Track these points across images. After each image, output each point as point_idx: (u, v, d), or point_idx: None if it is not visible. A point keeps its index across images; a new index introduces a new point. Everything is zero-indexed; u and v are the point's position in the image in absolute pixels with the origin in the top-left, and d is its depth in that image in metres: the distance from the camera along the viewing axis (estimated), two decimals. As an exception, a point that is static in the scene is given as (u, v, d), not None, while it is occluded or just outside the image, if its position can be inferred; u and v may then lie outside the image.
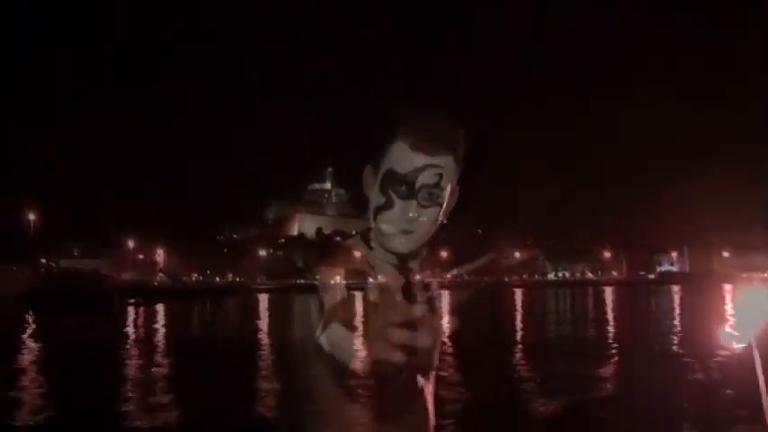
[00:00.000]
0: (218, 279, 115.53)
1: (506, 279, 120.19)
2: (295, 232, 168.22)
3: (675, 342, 15.40)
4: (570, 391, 8.30)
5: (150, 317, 29.52)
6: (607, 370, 10.73)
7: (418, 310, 0.95)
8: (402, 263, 1.23)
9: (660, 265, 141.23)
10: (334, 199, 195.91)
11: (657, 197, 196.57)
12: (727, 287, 64.70)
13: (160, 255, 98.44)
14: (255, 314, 32.98)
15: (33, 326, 24.60)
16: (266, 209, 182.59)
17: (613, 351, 13.67)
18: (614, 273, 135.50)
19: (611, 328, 20.82)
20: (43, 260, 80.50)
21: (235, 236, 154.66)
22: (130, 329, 22.89)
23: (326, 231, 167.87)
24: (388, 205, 1.19)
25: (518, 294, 59.80)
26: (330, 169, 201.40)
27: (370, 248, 1.25)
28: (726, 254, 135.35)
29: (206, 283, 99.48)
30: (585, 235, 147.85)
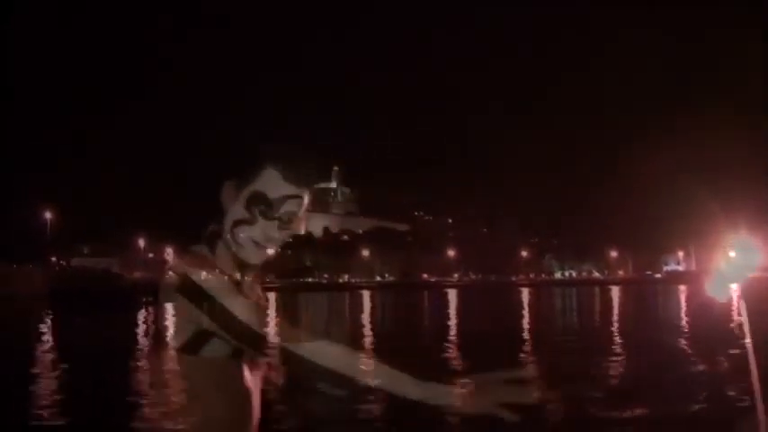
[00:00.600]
0: (225, 277, 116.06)
1: (513, 278, 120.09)
2: (302, 231, 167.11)
3: (684, 342, 15.34)
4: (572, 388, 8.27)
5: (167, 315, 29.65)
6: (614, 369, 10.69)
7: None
8: (241, 271, 1.44)
9: (666, 264, 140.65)
10: (339, 198, 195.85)
11: (663, 196, 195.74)
12: (734, 287, 64.44)
13: (169, 253, 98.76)
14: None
15: (57, 324, 24.86)
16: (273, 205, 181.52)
17: (621, 351, 13.61)
18: (620, 272, 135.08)
19: (619, 329, 20.76)
20: (54, 259, 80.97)
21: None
22: (152, 327, 23.04)
23: (333, 230, 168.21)
24: (250, 221, 1.39)
25: (525, 294, 59.59)
26: (336, 168, 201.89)
27: (213, 254, 1.44)
28: (732, 254, 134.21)
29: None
30: (592, 234, 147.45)
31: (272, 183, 1.39)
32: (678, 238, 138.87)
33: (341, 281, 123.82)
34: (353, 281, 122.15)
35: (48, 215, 76.58)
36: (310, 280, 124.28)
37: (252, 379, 1.41)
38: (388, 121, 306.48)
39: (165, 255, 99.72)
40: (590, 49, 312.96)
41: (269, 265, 1.48)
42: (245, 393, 1.39)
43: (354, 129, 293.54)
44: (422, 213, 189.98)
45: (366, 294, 66.13)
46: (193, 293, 1.34)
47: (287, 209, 1.40)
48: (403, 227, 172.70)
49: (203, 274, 1.35)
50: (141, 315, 28.76)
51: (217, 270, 1.38)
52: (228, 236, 1.41)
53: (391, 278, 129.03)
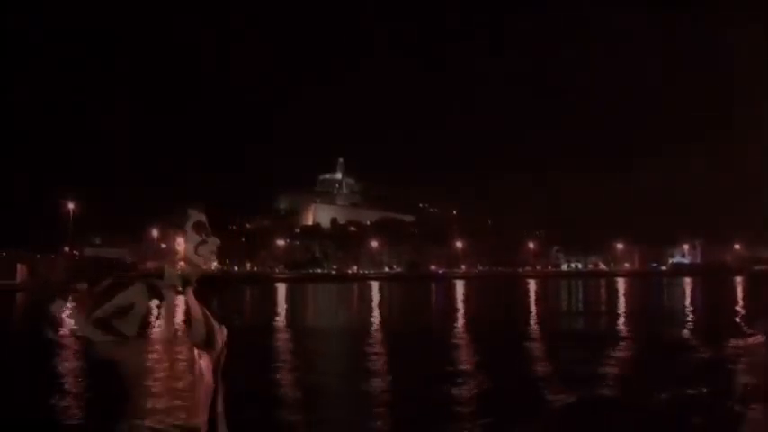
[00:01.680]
0: (236, 268, 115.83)
1: (520, 270, 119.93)
2: (310, 222, 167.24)
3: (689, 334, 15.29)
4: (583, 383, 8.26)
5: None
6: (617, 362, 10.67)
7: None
8: (186, 282, 2.04)
9: (672, 256, 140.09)
10: (344, 189, 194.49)
11: (671, 189, 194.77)
12: (739, 279, 64.25)
13: (180, 243, 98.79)
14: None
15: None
16: (278, 199, 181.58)
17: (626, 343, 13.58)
18: (626, 264, 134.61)
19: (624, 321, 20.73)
20: (67, 249, 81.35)
21: (248, 225, 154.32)
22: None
23: (341, 221, 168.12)
24: (204, 241, 2.10)
25: (532, 285, 59.48)
26: (341, 160, 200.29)
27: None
28: (737, 246, 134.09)
29: (227, 273, 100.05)
30: (598, 226, 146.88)
31: (199, 216, 2.12)
32: (684, 231, 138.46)
33: (349, 272, 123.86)
34: (362, 272, 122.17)
35: (70, 206, 77.21)
36: (319, 271, 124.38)
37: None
38: (393, 113, 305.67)
39: (177, 245, 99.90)
40: (603, 48, 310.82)
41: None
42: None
43: (358, 120, 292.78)
44: (427, 205, 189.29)
45: (375, 285, 66.17)
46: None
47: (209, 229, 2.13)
48: (409, 218, 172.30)
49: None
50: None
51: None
52: (194, 255, 2.09)
53: (399, 269, 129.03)
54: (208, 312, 1.99)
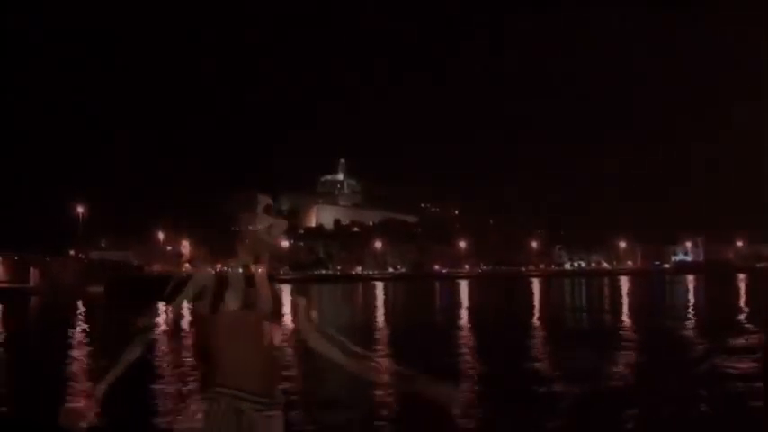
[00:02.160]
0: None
1: (523, 269, 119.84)
2: (313, 223, 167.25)
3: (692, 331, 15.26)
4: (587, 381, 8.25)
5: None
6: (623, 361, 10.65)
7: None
8: (257, 259, 2.13)
9: (675, 254, 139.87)
10: (346, 190, 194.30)
11: (672, 187, 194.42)
12: (742, 276, 64.05)
13: (186, 246, 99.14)
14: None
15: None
16: (279, 200, 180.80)
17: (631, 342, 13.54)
18: (629, 263, 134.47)
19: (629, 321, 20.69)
20: (72, 252, 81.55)
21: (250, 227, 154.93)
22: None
23: (344, 222, 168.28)
24: (275, 223, 2.14)
25: (536, 284, 59.46)
26: (342, 161, 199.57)
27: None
28: (740, 243, 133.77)
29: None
30: (600, 224, 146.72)
31: (268, 200, 2.18)
32: (686, 229, 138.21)
33: (354, 272, 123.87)
34: (366, 272, 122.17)
35: (80, 210, 77.67)
36: (323, 272, 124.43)
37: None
38: (392, 114, 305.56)
39: (182, 248, 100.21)
40: (618, 48, 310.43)
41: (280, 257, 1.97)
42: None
43: (358, 121, 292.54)
44: (428, 205, 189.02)
45: (380, 286, 66.12)
46: None
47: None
48: (411, 218, 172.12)
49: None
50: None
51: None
52: (266, 235, 2.11)
53: (403, 269, 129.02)
54: (274, 288, 2.14)
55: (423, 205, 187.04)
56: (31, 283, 53.91)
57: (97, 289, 50.01)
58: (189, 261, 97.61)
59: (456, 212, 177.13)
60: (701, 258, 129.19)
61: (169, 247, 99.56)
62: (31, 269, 56.26)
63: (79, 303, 30.93)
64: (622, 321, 18.73)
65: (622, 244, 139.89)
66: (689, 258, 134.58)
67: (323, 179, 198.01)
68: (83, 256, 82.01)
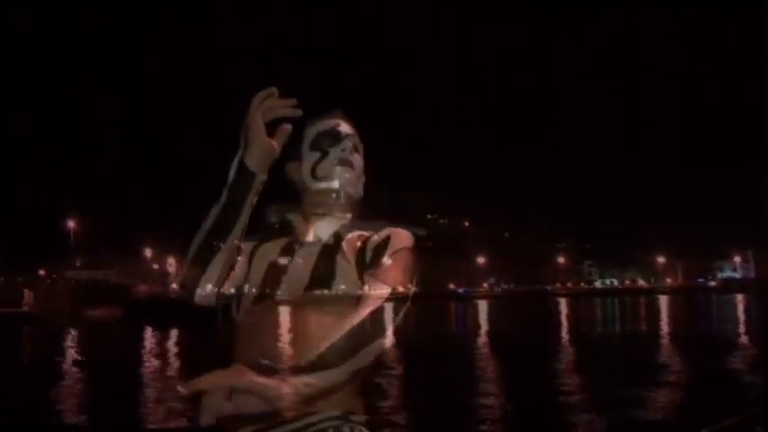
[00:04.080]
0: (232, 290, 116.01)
1: (549, 288, 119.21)
2: (310, 237, 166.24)
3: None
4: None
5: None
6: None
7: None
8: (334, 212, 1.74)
9: (722, 270, 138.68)
10: (342, 199, 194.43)
11: (717, 195, 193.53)
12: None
13: (172, 264, 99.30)
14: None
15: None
16: (266, 212, 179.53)
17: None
18: (668, 280, 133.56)
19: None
20: (42, 272, 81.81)
21: (237, 242, 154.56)
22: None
23: (344, 236, 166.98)
24: (323, 156, 1.67)
25: (563, 305, 59.12)
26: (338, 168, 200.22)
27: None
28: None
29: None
30: (636, 237, 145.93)
31: (320, 125, 1.71)
32: (734, 242, 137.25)
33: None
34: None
35: (71, 224, 79.04)
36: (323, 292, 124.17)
37: None
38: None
39: (168, 266, 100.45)
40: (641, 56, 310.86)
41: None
42: None
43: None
44: (436, 216, 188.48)
45: (388, 307, 65.75)
46: None
47: (345, 131, 1.70)
48: (421, 231, 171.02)
49: None
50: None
51: None
52: (311, 180, 1.70)
53: (413, 288, 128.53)
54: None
55: (429, 216, 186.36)
56: (27, 308, 53.35)
57: (97, 313, 49.34)
58: (176, 281, 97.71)
59: (467, 224, 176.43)
60: (752, 275, 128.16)
61: (155, 266, 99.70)
62: (26, 291, 55.99)
63: (92, 331, 30.46)
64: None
65: (661, 259, 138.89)
66: (737, 275, 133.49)
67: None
68: (55, 276, 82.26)
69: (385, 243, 1.63)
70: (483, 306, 60.29)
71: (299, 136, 1.67)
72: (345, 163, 1.67)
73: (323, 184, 1.69)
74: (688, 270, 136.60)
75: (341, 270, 1.59)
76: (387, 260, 1.60)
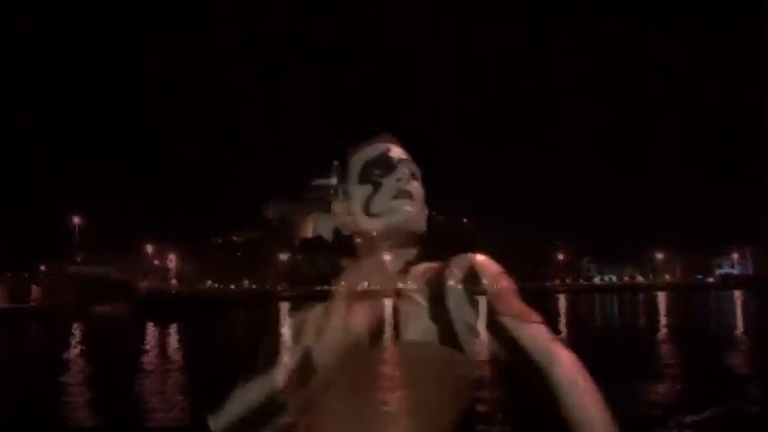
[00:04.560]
0: (232, 287, 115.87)
1: (548, 284, 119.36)
2: (309, 234, 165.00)
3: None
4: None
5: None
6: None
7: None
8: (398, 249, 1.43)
9: (720, 267, 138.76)
10: (403, 237, 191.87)
11: (717, 195, 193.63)
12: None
13: (172, 260, 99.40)
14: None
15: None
16: (264, 208, 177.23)
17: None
18: (667, 276, 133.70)
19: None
20: (43, 268, 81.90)
21: (234, 238, 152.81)
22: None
23: (345, 232, 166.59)
24: (376, 188, 1.40)
25: (562, 301, 59.25)
26: (336, 162, 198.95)
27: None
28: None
29: (227, 292, 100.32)
30: (634, 234, 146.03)
31: (367, 152, 1.45)
32: (733, 239, 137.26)
33: (359, 288, 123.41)
34: (373, 288, 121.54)
35: (76, 220, 79.45)
36: (326, 287, 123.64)
37: None
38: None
39: (168, 262, 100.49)
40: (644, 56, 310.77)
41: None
42: None
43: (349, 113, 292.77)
44: (433, 212, 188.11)
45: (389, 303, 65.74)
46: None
47: (398, 156, 1.42)
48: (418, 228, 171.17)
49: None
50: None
51: None
52: (365, 218, 1.44)
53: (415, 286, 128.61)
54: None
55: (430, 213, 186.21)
56: (34, 303, 53.52)
57: (104, 308, 49.37)
58: (176, 277, 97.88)
59: (465, 221, 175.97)
60: (750, 271, 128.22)
61: (156, 262, 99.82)
62: (34, 287, 56.17)
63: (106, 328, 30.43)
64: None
65: (659, 255, 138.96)
66: (736, 271, 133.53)
67: (314, 183, 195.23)
68: (57, 272, 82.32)
69: (473, 274, 1.34)
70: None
71: (341, 168, 1.49)
72: (403, 194, 1.38)
73: (379, 222, 1.41)
74: (686, 267, 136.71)
75: (408, 315, 1.28)
76: (493, 293, 1.32)
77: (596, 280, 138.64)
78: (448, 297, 1.28)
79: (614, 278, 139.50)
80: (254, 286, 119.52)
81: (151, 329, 28.47)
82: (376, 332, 1.26)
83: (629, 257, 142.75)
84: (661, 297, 62.98)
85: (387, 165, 1.40)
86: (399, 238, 1.42)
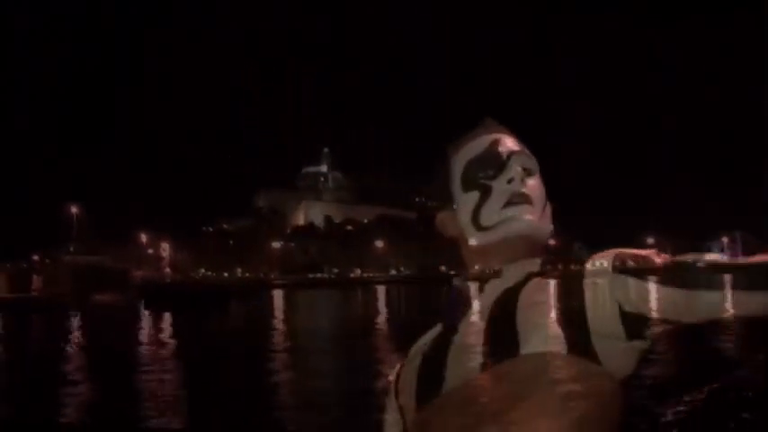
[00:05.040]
0: (225, 275, 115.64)
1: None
2: (300, 221, 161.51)
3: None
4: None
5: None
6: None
7: None
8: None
9: (709, 251, 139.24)
10: (331, 184, 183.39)
11: (717, 195, 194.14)
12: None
13: (165, 249, 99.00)
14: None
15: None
16: (255, 196, 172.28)
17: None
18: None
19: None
20: (36, 257, 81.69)
21: (225, 226, 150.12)
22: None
23: (336, 220, 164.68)
24: (485, 195, 1.09)
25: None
26: (326, 150, 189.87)
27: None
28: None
29: (221, 280, 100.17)
30: (625, 218, 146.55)
31: (471, 148, 1.13)
32: (723, 222, 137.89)
33: (352, 276, 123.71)
34: (366, 275, 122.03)
35: (74, 210, 79.92)
36: (319, 275, 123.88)
37: None
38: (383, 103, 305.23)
39: (162, 251, 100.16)
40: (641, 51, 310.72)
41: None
42: None
43: (346, 109, 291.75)
44: (424, 199, 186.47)
45: (383, 290, 65.88)
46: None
47: (508, 148, 1.12)
48: (411, 215, 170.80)
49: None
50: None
51: None
52: (474, 230, 1.11)
53: (407, 272, 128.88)
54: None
55: (417, 200, 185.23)
56: (35, 293, 53.59)
57: (105, 297, 49.20)
58: (170, 266, 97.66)
59: (455, 207, 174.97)
60: (739, 256, 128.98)
61: (150, 251, 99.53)
62: (35, 277, 56.13)
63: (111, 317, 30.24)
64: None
65: (650, 239, 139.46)
66: (725, 256, 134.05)
67: (304, 171, 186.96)
68: (49, 261, 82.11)
69: (621, 260, 1.11)
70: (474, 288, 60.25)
71: (442, 169, 1.17)
72: (519, 199, 1.08)
73: (493, 236, 1.10)
74: (675, 251, 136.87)
75: (526, 324, 0.99)
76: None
77: (588, 265, 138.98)
78: (587, 294, 1.04)
79: (605, 263, 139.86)
80: (248, 274, 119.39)
81: (162, 319, 28.48)
82: (490, 350, 1.00)
83: (619, 242, 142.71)
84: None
85: (495, 163, 1.10)
86: (519, 250, 1.10)
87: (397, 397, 1.10)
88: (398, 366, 1.13)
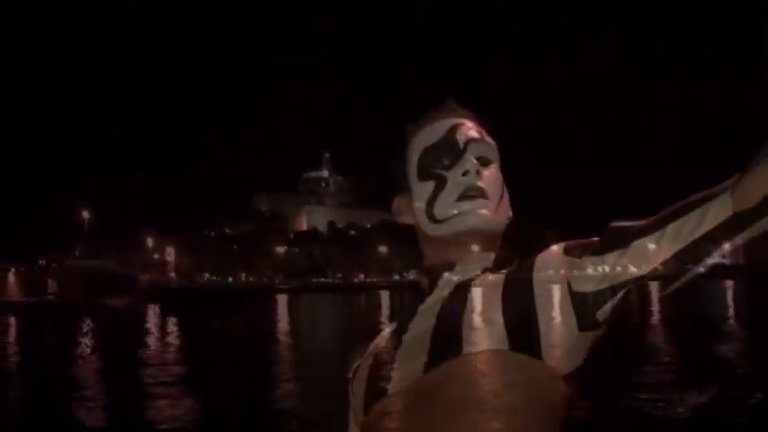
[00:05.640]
0: (230, 279, 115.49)
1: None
2: (304, 226, 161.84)
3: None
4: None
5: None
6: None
7: None
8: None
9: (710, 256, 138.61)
10: (332, 188, 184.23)
11: (705, 177, 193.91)
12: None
13: (171, 253, 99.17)
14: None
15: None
16: (257, 201, 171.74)
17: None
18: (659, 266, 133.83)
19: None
20: (42, 262, 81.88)
21: (227, 231, 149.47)
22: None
23: (339, 224, 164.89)
24: (439, 186, 1.04)
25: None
26: (327, 155, 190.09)
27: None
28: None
29: (226, 285, 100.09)
30: (618, 217, 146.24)
31: (428, 134, 1.08)
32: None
33: (356, 280, 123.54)
34: (370, 280, 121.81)
35: (85, 214, 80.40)
36: (323, 280, 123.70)
37: None
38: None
39: (167, 255, 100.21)
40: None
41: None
42: None
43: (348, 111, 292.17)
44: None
45: (386, 295, 65.77)
46: None
47: (465, 136, 1.07)
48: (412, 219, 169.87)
49: None
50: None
51: None
52: (427, 222, 1.06)
53: (411, 277, 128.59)
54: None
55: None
56: (51, 297, 53.90)
57: (117, 301, 49.13)
58: (175, 270, 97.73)
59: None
60: (741, 260, 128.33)
61: (156, 255, 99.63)
62: (50, 281, 56.42)
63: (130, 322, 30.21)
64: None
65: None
66: (726, 260, 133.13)
67: (305, 176, 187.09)
68: (55, 266, 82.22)
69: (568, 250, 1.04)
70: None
71: (400, 152, 1.12)
72: (474, 192, 1.03)
73: (446, 229, 1.04)
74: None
75: (471, 322, 0.95)
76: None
77: (589, 270, 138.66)
78: (536, 287, 0.97)
79: (607, 267, 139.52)
80: (252, 279, 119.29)
81: (171, 322, 28.65)
82: (434, 350, 0.96)
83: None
84: (653, 286, 62.90)
85: (451, 152, 1.05)
86: (473, 245, 1.05)
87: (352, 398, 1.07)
88: (355, 365, 1.09)
